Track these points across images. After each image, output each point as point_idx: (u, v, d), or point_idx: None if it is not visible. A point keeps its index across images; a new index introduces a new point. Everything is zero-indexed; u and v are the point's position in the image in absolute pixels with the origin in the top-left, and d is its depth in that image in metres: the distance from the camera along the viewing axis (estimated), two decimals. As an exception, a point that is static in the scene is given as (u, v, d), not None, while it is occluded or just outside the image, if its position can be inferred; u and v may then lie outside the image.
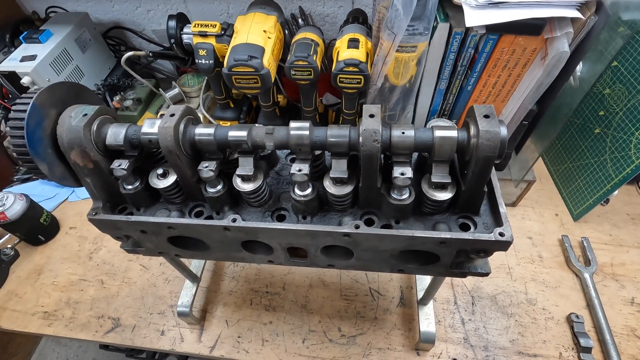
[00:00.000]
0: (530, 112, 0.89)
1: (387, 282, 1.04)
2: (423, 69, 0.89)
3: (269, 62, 0.84)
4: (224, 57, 0.97)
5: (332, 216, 0.63)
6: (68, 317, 1.02)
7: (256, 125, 0.58)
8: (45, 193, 1.28)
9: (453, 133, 0.52)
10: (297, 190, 0.60)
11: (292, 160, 0.71)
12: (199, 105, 1.16)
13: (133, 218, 0.62)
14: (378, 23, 0.78)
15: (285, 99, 1.17)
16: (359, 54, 0.81)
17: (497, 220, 0.57)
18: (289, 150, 0.73)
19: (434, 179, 0.55)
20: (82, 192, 1.29)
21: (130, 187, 0.64)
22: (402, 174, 0.53)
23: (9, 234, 1.10)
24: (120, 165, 0.60)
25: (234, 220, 0.59)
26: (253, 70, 0.82)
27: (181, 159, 0.58)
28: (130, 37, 1.35)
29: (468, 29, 0.84)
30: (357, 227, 0.57)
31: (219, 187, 0.62)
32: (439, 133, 0.52)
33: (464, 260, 0.63)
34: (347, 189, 0.59)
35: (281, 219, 0.65)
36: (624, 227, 1.11)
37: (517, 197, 1.14)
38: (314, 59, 0.86)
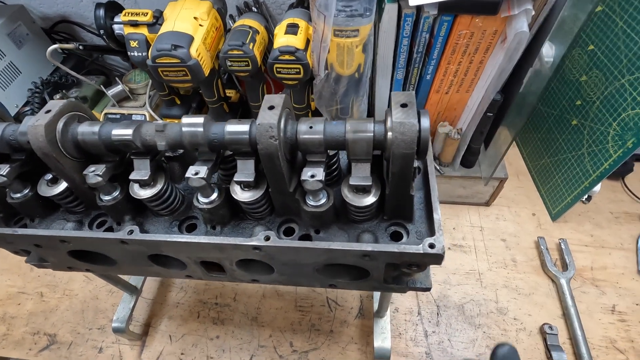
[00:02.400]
0: (494, 103, 0.80)
1: (347, 291, 0.96)
2: (374, 57, 0.80)
3: (198, 51, 0.76)
4: (160, 48, 0.89)
5: (246, 225, 0.55)
6: (1, 334, 0.95)
7: (148, 121, 0.50)
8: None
9: (368, 126, 0.43)
10: (200, 197, 0.51)
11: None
12: (144, 103, 1.07)
13: (20, 231, 0.54)
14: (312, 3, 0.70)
15: (238, 93, 1.08)
16: (295, 41, 0.72)
17: (431, 229, 0.49)
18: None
19: (353, 181, 0.46)
20: (31, 197, 1.21)
21: (17, 195, 0.56)
22: (312, 176, 0.45)
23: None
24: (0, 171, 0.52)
25: (131, 232, 0.51)
26: (179, 61, 0.73)
27: (62, 162, 0.50)
28: (79, 32, 1.26)
29: (419, 10, 0.75)
30: (267, 238, 0.48)
31: (115, 193, 0.54)
32: (351, 127, 0.44)
33: (401, 273, 0.55)
34: (257, 194, 0.50)
35: (192, 228, 0.57)
36: (607, 227, 1.02)
37: (490, 195, 1.05)
38: (251, 47, 0.77)
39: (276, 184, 0.48)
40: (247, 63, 0.78)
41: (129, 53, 0.86)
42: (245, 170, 0.49)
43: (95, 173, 0.50)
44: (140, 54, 0.85)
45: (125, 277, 0.91)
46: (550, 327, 0.84)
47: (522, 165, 1.18)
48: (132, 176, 0.51)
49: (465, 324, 0.88)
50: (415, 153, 0.41)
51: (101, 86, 1.03)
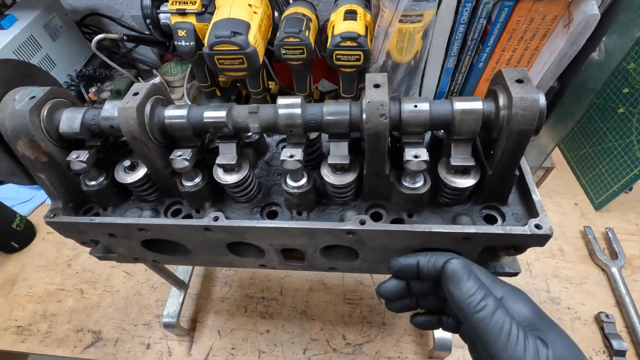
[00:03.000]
0: (550, 90, 0.79)
1: (394, 282, 0.95)
2: (429, 44, 0.79)
3: (255, 39, 0.74)
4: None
5: (332, 211, 0.54)
6: (44, 332, 0.93)
7: (237, 104, 0.49)
8: (20, 196, 1.18)
9: (477, 104, 0.42)
10: (289, 181, 0.50)
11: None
12: (182, 95, 1.06)
13: (97, 219, 0.52)
14: (379, -11, 0.69)
15: (277, 85, 1.07)
16: (357, 27, 0.71)
17: (531, 210, 0.48)
18: (281, 137, 0.63)
19: (454, 162, 0.45)
20: (61, 194, 1.19)
21: (93, 183, 0.54)
22: (416, 156, 0.44)
23: (-23, 242, 1.00)
24: (78, 157, 0.50)
25: (216, 219, 0.50)
26: (237, 48, 0.72)
27: (149, 146, 0.48)
28: (108, 24, 1.24)
29: (480, -5, 0.74)
30: (362, 222, 0.47)
31: (197, 179, 0.53)
32: (459, 105, 0.43)
33: (488, 258, 0.54)
34: (349, 178, 0.49)
35: (272, 215, 0.55)
36: (651, 216, 1.02)
37: (533, 185, 1.04)
38: (307, 35, 0.76)
39: (375, 166, 0.47)
40: (302, 51, 0.77)
41: (175, 43, 0.85)
42: (339, 152, 0.48)
43: (182, 157, 0.49)
44: (188, 43, 0.84)
45: (173, 272, 0.89)
46: (607, 316, 0.83)
47: (559, 155, 1.17)
48: (218, 160, 0.50)
49: (519, 313, 0.87)
50: (534, 129, 0.40)
51: (139, 78, 1.01)
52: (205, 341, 0.89)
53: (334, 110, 0.45)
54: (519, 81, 0.40)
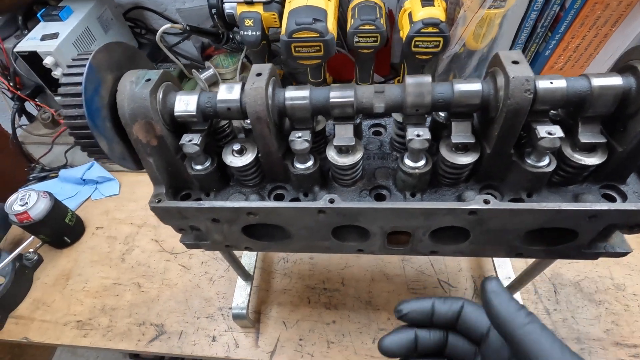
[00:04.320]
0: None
1: (456, 272, 0.95)
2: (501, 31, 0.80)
3: (333, 26, 0.74)
4: (269, 28, 0.87)
5: (444, 192, 0.53)
6: (105, 326, 0.92)
7: (360, 85, 0.48)
8: (65, 192, 1.17)
9: (617, 80, 0.42)
10: (408, 162, 0.50)
11: (400, 128, 0.56)
12: (235, 87, 1.05)
13: (206, 204, 0.52)
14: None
15: (330, 77, 1.06)
16: (438, 12, 0.71)
17: (655, 188, 0.48)
18: (372, 122, 0.63)
19: (584, 139, 0.45)
20: (106, 189, 1.18)
21: (199, 167, 0.54)
22: (550, 133, 0.44)
23: (32, 237, 0.99)
24: (192, 141, 0.50)
25: (332, 201, 0.49)
26: (317, 35, 0.72)
27: (270, 128, 0.48)
28: (150, 17, 1.24)
29: (557, -18, 0.74)
30: (486, 202, 0.47)
31: (310, 163, 0.52)
32: (598, 82, 0.43)
33: (598, 239, 0.54)
34: (471, 158, 0.49)
35: (380, 197, 0.55)
36: None
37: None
38: (382, 22, 0.75)
39: (504, 145, 0.46)
40: (376, 39, 0.77)
41: (241, 32, 0.84)
42: (463, 132, 0.47)
43: (303, 139, 0.48)
44: (254, 32, 0.83)
45: (237, 263, 0.89)
46: (676, 301, 0.83)
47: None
48: (336, 142, 0.49)
49: (585, 300, 0.88)
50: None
51: (194, 71, 1.01)
52: (271, 332, 0.88)
53: (465, 88, 0.45)
54: (664, 55, 0.40)
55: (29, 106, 1.16)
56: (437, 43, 0.73)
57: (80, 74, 0.44)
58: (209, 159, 0.54)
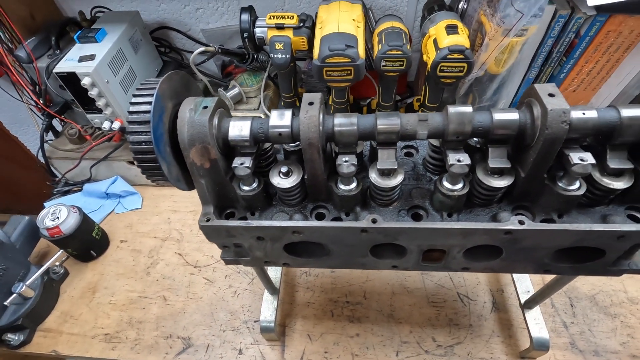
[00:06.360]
0: (636, 98, 0.84)
1: (474, 285, 0.98)
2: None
3: (362, 51, 0.78)
4: (298, 51, 0.91)
5: (478, 212, 0.57)
6: (133, 339, 0.93)
7: (403, 113, 0.52)
8: (89, 205, 1.20)
9: (643, 111, 0.46)
10: (447, 184, 0.53)
11: (438, 152, 0.59)
12: (259, 104, 1.09)
13: (255, 223, 0.55)
14: (486, 5, 0.73)
15: (352, 96, 1.10)
16: (463, 40, 0.75)
17: (678, 210, 0.52)
18: (404, 143, 0.67)
19: (613, 164, 0.49)
20: (129, 203, 1.21)
21: (248, 188, 0.57)
22: (582, 159, 0.47)
23: (60, 251, 1.01)
24: (244, 164, 0.53)
25: (374, 221, 0.53)
26: (349, 60, 0.76)
27: (319, 153, 0.51)
28: (174, 37, 1.28)
29: (573, 11, 0.79)
30: (521, 222, 0.50)
31: (353, 185, 0.56)
32: (627, 112, 0.46)
33: (622, 256, 0.57)
34: (506, 181, 0.52)
35: (417, 217, 0.58)
36: None
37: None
38: (408, 48, 0.80)
39: (539, 170, 0.50)
40: (402, 63, 0.81)
41: (272, 55, 0.88)
42: (499, 156, 0.51)
43: (350, 163, 0.52)
44: (284, 55, 0.88)
45: (264, 277, 0.91)
46: (689, 314, 0.87)
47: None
48: (379, 165, 0.53)
49: (601, 314, 0.91)
50: None
51: (220, 89, 1.04)
52: (297, 345, 0.90)
53: (503, 117, 0.49)
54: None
55: (54, 122, 1.19)
56: (462, 68, 0.77)
57: (149, 103, 0.48)
58: (257, 180, 0.58)
